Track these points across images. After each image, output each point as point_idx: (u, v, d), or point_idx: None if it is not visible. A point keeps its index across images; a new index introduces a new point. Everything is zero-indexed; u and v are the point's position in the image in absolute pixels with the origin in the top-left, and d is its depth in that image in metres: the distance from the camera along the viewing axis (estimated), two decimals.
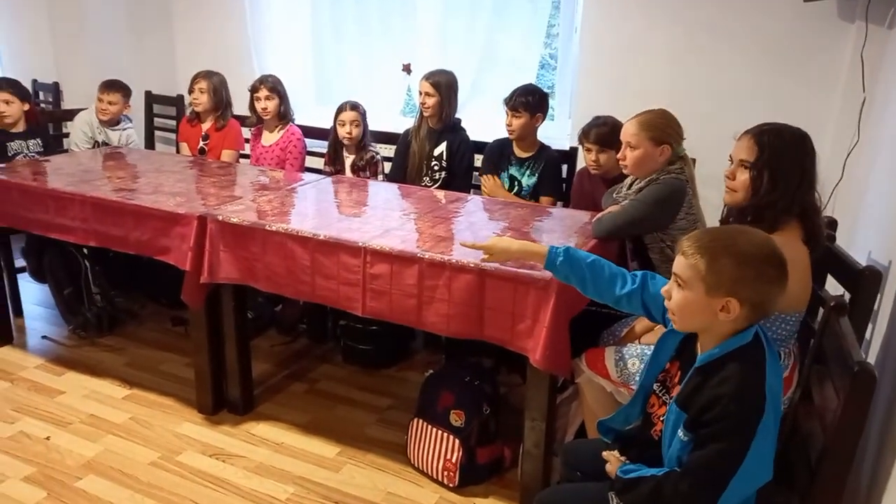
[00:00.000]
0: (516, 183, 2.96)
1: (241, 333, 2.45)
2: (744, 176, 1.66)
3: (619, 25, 3.07)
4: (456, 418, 2.12)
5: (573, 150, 3.10)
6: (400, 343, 2.94)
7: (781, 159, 1.62)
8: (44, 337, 3.06)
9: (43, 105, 4.25)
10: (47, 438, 2.33)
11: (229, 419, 2.47)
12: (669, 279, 1.37)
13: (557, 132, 3.40)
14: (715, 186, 1.95)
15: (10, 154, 3.11)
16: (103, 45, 4.14)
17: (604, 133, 2.57)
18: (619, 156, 2.22)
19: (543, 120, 2.92)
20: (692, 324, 1.35)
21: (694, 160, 2.26)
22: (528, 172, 2.95)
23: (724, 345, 1.29)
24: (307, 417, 2.50)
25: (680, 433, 1.30)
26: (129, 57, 4.23)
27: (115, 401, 2.57)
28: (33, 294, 3.40)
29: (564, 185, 3.06)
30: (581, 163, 2.88)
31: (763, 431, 1.22)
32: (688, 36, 2.95)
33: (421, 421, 2.20)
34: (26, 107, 3.18)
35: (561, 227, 2.42)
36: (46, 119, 3.70)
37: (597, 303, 2.11)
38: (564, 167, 3.07)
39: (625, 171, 2.23)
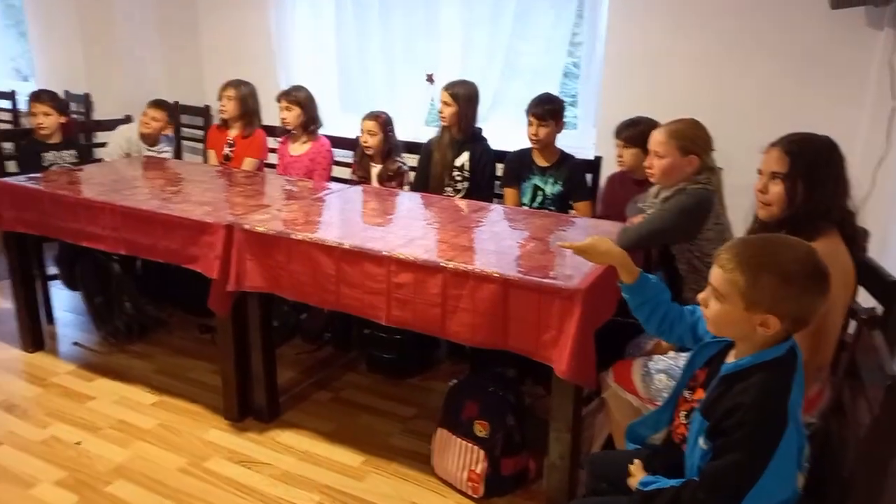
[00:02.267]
0: (539, 192, 2.96)
1: (266, 341, 2.48)
2: (777, 188, 1.64)
3: (645, 34, 3.06)
4: (480, 429, 2.12)
5: (597, 160, 3.09)
6: (424, 352, 2.94)
7: (814, 167, 1.60)
8: (75, 343, 3.12)
9: (74, 116, 4.35)
10: (78, 443, 2.38)
11: (255, 426, 2.50)
12: (698, 292, 1.36)
13: (581, 141, 3.39)
14: (743, 196, 1.93)
15: (45, 164, 3.19)
16: (133, 57, 4.23)
17: (634, 134, 2.57)
18: (645, 164, 2.21)
19: (563, 128, 2.94)
20: (728, 333, 1.34)
21: (720, 169, 2.24)
22: (551, 181, 2.95)
23: (756, 355, 1.28)
24: (332, 426, 2.52)
25: (701, 441, 1.29)
26: (157, 68, 4.32)
27: (143, 407, 2.62)
28: (65, 301, 3.47)
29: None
30: (610, 168, 2.89)
31: (784, 448, 1.20)
32: (714, 45, 2.93)
33: (445, 431, 2.20)
34: (63, 119, 3.26)
35: (585, 237, 2.40)
36: (80, 130, 3.79)
37: (622, 313, 2.11)
38: (589, 176, 3.06)
39: (651, 180, 2.22)
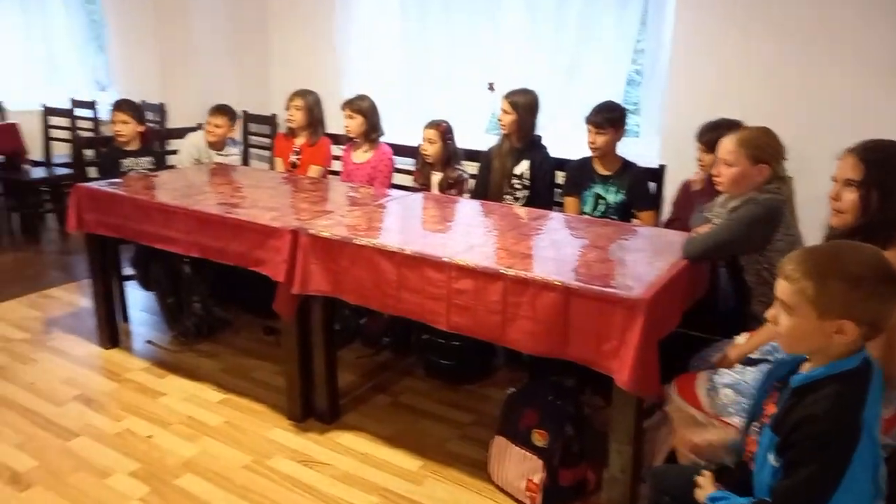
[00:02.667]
0: (601, 201, 2.93)
1: (329, 344, 2.53)
2: (851, 196, 1.58)
3: (712, 39, 3.00)
4: (539, 438, 2.11)
5: (661, 168, 3.04)
6: (482, 359, 2.94)
7: (890, 175, 1.54)
8: (148, 341, 3.26)
9: (151, 124, 4.56)
10: (150, 437, 2.48)
11: (316, 427, 2.55)
12: (767, 305, 1.33)
13: (644, 149, 3.34)
14: (815, 206, 1.86)
15: (123, 170, 3.35)
16: (206, 68, 4.42)
17: (715, 139, 2.48)
18: (713, 172, 2.16)
19: (623, 136, 2.90)
20: (803, 348, 1.30)
21: (791, 178, 2.17)
22: (613, 189, 2.91)
23: (830, 366, 1.24)
24: (390, 429, 2.55)
25: (771, 458, 1.26)
26: (228, 79, 4.49)
27: (211, 404, 2.71)
28: (139, 301, 3.64)
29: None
30: (680, 176, 2.83)
31: (858, 464, 1.15)
32: (785, 49, 2.85)
33: (503, 439, 2.19)
34: (141, 127, 3.43)
35: (649, 247, 2.37)
36: (156, 138, 3.97)
37: (687, 324, 2.07)
38: (653, 185, 3.01)
39: (719, 189, 2.17)
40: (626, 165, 2.94)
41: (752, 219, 2.02)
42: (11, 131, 4.85)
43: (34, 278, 4.03)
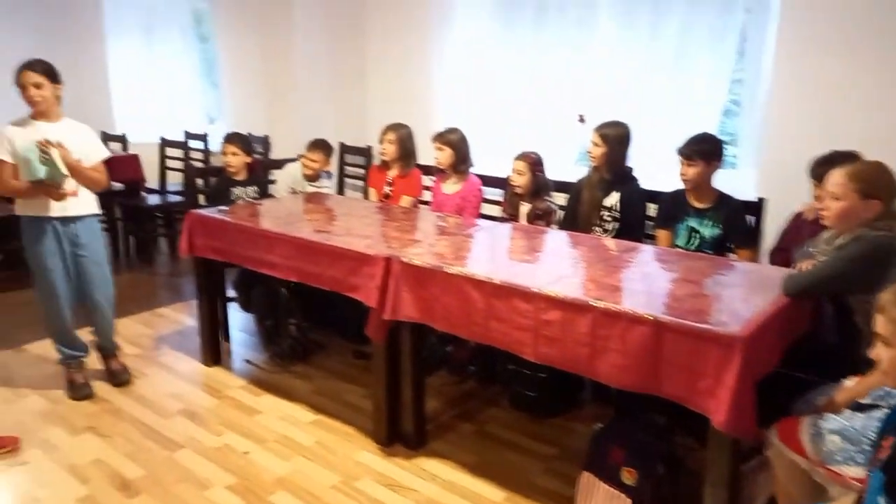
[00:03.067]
0: (695, 235, 2.86)
1: (416, 370, 2.58)
2: None
3: (815, 69, 2.89)
4: (628, 476, 2.06)
5: (760, 201, 2.93)
6: (568, 392, 2.91)
7: None
8: (246, 361, 3.44)
9: (256, 155, 4.85)
10: (246, 453, 2.60)
11: (402, 452, 2.60)
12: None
13: (741, 182, 3.24)
14: None
15: (231, 199, 3.58)
16: (308, 103, 4.67)
17: (824, 173, 2.36)
18: (820, 206, 2.07)
19: (719, 168, 2.81)
20: None
21: None
22: (708, 223, 2.84)
23: None
24: (475, 458, 2.56)
25: (882, 501, 1.18)
26: (327, 113, 4.73)
27: (303, 424, 2.81)
28: (239, 321, 3.84)
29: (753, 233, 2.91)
30: (780, 209, 2.72)
31: None
32: (891, 78, 2.70)
33: (590, 475, 2.15)
34: (249, 159, 3.66)
35: (746, 282, 2.29)
36: (261, 168, 4.22)
37: (788, 364, 1.97)
38: (751, 219, 2.91)
39: (825, 224, 2.07)
40: (723, 198, 2.85)
41: (859, 257, 1.91)
42: (133, 162, 5.29)
43: (147, 298, 4.34)
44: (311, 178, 3.89)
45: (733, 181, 3.22)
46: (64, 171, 2.76)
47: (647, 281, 2.26)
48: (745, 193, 3.07)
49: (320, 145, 3.81)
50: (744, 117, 3.35)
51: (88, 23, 6.83)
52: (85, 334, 3.16)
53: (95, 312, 3.08)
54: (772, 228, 2.87)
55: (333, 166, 4.56)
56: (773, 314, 1.90)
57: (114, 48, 6.65)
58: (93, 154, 2.94)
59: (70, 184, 2.83)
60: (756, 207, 2.95)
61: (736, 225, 2.82)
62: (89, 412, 2.90)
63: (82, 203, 2.91)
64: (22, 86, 2.75)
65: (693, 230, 2.87)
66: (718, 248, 2.83)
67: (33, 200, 2.83)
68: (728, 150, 3.22)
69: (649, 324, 1.86)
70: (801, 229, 2.59)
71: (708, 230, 2.84)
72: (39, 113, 2.82)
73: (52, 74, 2.79)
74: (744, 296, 2.09)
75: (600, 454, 2.15)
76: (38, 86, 2.75)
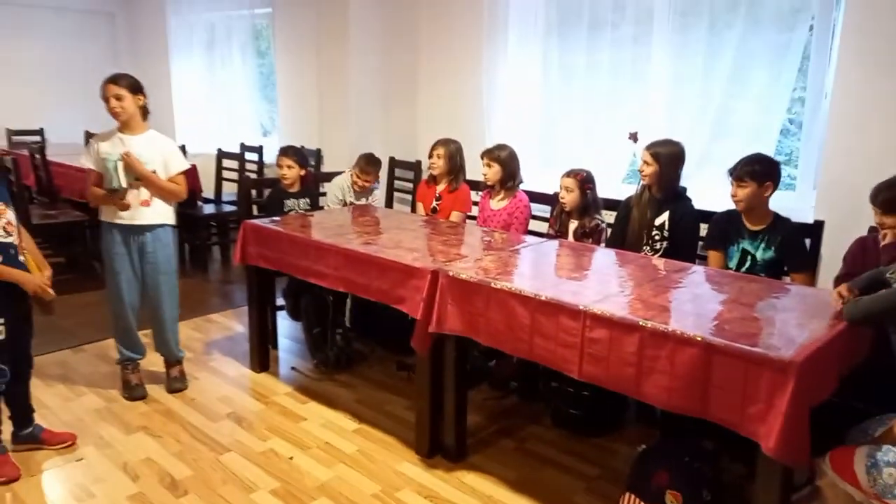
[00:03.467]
0: (749, 257, 2.79)
1: (459, 383, 2.59)
2: None
3: (877, 87, 2.80)
4: (672, 499, 2.02)
5: (818, 224, 2.85)
6: (612, 411, 2.87)
7: None
8: (292, 368, 3.50)
9: (309, 168, 4.96)
10: (291, 458, 2.65)
11: (443, 465, 2.60)
12: None
13: (800, 203, 3.15)
14: None
15: (285, 210, 3.68)
16: (359, 118, 4.77)
17: (888, 199, 2.19)
18: (885, 231, 2.00)
19: (773, 190, 2.74)
20: None
21: None
22: (762, 246, 2.77)
23: None
24: (515, 474, 2.54)
25: None
26: (378, 128, 4.81)
27: (346, 433, 2.85)
28: (286, 329, 3.92)
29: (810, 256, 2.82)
30: (839, 233, 2.63)
31: None
32: None
33: (633, 497, 2.12)
34: (303, 172, 3.75)
35: (801, 307, 2.22)
36: (313, 181, 4.31)
37: (843, 394, 1.91)
38: (809, 242, 2.83)
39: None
40: (778, 220, 2.78)
41: None
42: (191, 172, 5.45)
43: (199, 304, 4.47)
44: (361, 191, 3.96)
45: (791, 203, 3.14)
46: (123, 182, 2.89)
47: (697, 302, 2.22)
48: (803, 216, 2.98)
49: (371, 162, 3.88)
50: (803, 137, 3.26)
51: (155, 41, 7.17)
52: (147, 337, 3.26)
53: (157, 320, 3.18)
54: (830, 252, 2.78)
55: (382, 180, 4.64)
56: (829, 340, 1.84)
57: (177, 64, 6.95)
58: (172, 166, 3.04)
59: (140, 194, 2.95)
60: (814, 230, 2.87)
61: (792, 248, 2.75)
62: (142, 412, 3.00)
63: (153, 213, 3.02)
64: (105, 98, 2.90)
65: (746, 252, 2.80)
66: (772, 271, 2.75)
67: (110, 207, 2.98)
68: (785, 171, 3.15)
69: (699, 345, 1.82)
70: (868, 254, 2.49)
71: (762, 253, 2.77)
72: (123, 124, 2.96)
73: (133, 87, 2.93)
74: (799, 320, 2.03)
75: (644, 476, 2.11)
76: (119, 98, 2.89)
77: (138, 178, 2.93)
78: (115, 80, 2.90)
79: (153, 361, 3.31)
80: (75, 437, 2.74)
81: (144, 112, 3.00)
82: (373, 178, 3.90)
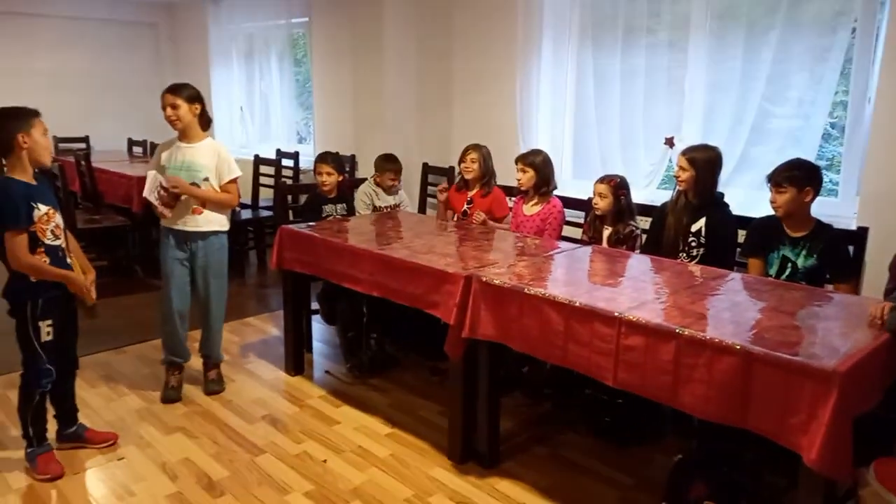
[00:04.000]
0: (789, 265, 2.73)
1: (493, 389, 2.59)
2: None
3: None
4: None
5: (862, 231, 2.78)
6: (647, 420, 2.83)
7: None
8: (326, 371, 3.54)
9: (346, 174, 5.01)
10: (325, 461, 2.67)
11: (475, 470, 2.59)
12: None
13: (842, 210, 3.08)
14: None
15: (322, 216, 3.73)
16: (394, 124, 4.81)
17: None
18: None
19: (814, 196, 2.67)
20: None
21: None
22: (804, 253, 2.71)
23: None
24: (548, 482, 2.53)
25: None
26: (412, 133, 4.85)
27: (379, 437, 2.87)
28: (320, 333, 3.96)
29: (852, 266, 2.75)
30: (885, 240, 2.56)
31: None
32: None
33: None
34: (340, 178, 3.80)
35: (843, 316, 2.16)
36: (348, 187, 4.36)
37: (888, 406, 1.85)
38: (852, 249, 2.76)
39: None
40: (820, 227, 2.71)
41: None
42: None
43: (236, 308, 4.53)
44: (390, 190, 3.99)
45: (833, 209, 3.06)
46: (154, 196, 2.98)
47: (735, 310, 2.18)
48: (845, 222, 2.91)
49: (388, 159, 3.91)
50: (845, 142, 3.19)
51: (196, 51, 7.36)
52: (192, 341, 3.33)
53: (207, 323, 3.26)
54: (874, 261, 2.71)
55: (417, 185, 4.68)
56: (874, 350, 1.79)
57: (217, 72, 7.11)
58: (224, 173, 3.13)
59: (190, 202, 3.05)
60: (857, 237, 2.80)
61: (834, 256, 2.68)
62: (181, 413, 3.06)
63: (205, 220, 3.12)
64: (162, 107, 3.00)
65: (786, 260, 2.74)
66: (814, 280, 2.69)
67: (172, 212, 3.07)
68: (827, 177, 3.08)
69: (738, 354, 1.79)
70: None
71: (803, 260, 2.71)
72: (181, 133, 3.07)
73: (189, 97, 3.02)
74: (842, 329, 1.98)
75: (681, 486, 2.08)
76: (174, 107, 2.98)
77: (185, 195, 3.02)
78: (172, 89, 3.01)
79: (191, 363, 3.37)
80: (117, 436, 2.81)
81: (206, 121, 3.10)
82: (392, 175, 3.93)
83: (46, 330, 2.48)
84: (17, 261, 2.37)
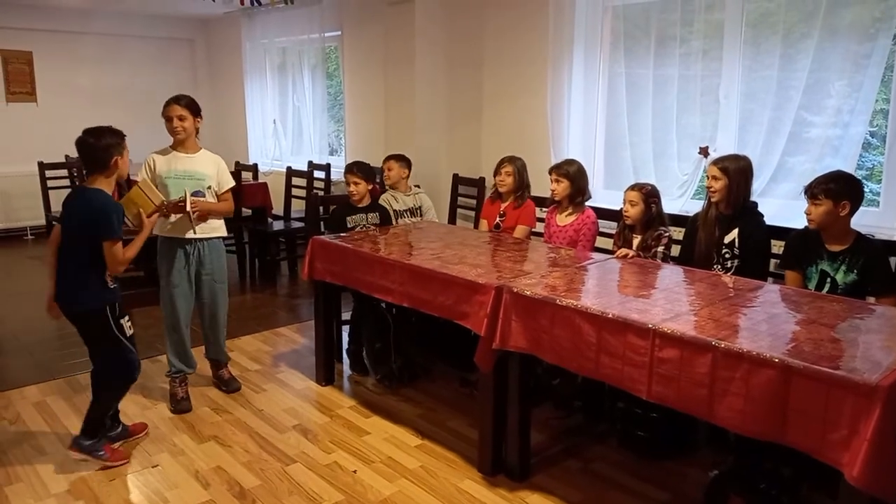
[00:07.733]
0: (828, 280, 2.66)
1: (523, 401, 2.56)
2: None
3: None
4: None
5: None
6: (681, 434, 2.77)
7: None
8: (357, 382, 3.54)
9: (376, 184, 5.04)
10: (354, 472, 2.68)
11: (505, 483, 2.57)
12: None
13: (883, 220, 3.00)
14: None
15: (352, 225, 3.74)
16: (424, 135, 4.83)
17: None
18: None
19: (852, 210, 2.58)
20: None
21: None
22: (843, 268, 2.63)
23: None
24: (580, 496, 2.49)
25: None
26: (442, 144, 4.86)
27: (409, 448, 2.86)
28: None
29: None
30: None
31: None
32: None
33: None
34: (370, 187, 3.83)
35: (886, 329, 2.10)
36: (378, 196, 4.39)
37: None
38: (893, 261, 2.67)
39: None
40: (861, 240, 2.63)
41: None
42: (262, 190, 5.68)
43: (268, 317, 4.60)
44: (395, 188, 4.00)
45: (874, 220, 2.98)
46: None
47: (773, 322, 2.13)
48: (887, 234, 2.83)
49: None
50: (886, 151, 3.11)
51: (231, 65, 7.52)
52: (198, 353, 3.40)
53: (213, 326, 3.34)
54: None
55: (446, 196, 4.69)
56: None
57: (251, 86, 7.25)
58: (224, 182, 3.25)
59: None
60: None
61: (875, 270, 2.59)
62: (213, 421, 3.10)
63: (209, 227, 3.20)
64: (167, 117, 3.08)
65: (825, 275, 2.66)
66: (854, 295, 2.60)
67: (168, 222, 3.13)
68: (867, 187, 3.00)
69: (776, 367, 1.75)
70: None
71: (842, 276, 2.63)
72: (178, 143, 3.14)
73: (194, 108, 3.11)
74: (885, 343, 1.92)
75: (718, 501, 2.03)
76: (181, 118, 3.06)
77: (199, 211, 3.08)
78: (176, 100, 3.09)
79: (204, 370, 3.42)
80: (146, 426, 3.00)
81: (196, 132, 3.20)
82: (398, 170, 3.96)
83: (128, 325, 2.70)
84: (120, 263, 2.61)
